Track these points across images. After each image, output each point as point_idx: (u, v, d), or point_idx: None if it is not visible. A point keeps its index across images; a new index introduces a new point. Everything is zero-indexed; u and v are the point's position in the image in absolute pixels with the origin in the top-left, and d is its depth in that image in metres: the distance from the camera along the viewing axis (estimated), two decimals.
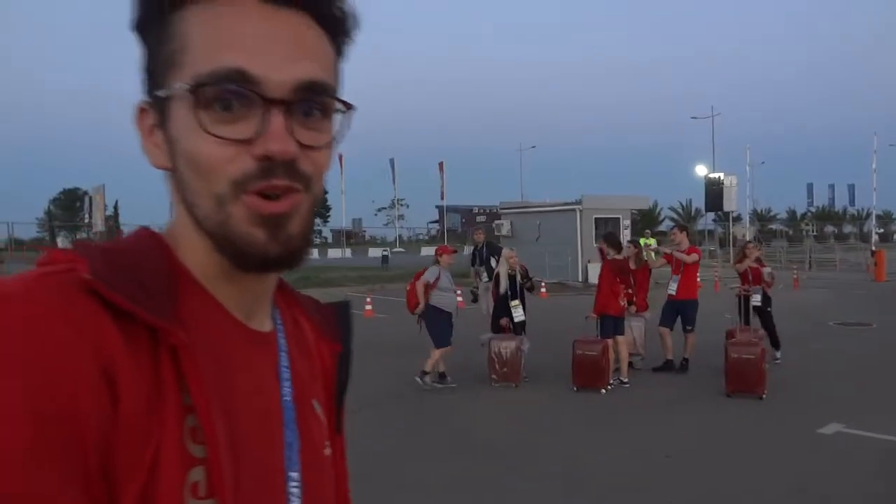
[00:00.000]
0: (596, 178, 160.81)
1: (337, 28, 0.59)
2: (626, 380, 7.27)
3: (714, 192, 29.51)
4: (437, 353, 7.30)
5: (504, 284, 7.74)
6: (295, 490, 0.59)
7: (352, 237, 65.21)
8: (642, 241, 21.64)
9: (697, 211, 60.37)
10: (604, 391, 6.78)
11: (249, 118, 0.53)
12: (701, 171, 33.76)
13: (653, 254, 9.12)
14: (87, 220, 22.83)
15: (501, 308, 7.78)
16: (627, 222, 21.28)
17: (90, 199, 23.02)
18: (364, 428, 5.85)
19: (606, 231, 10.03)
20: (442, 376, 7.37)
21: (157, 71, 0.56)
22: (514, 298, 7.63)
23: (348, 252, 47.63)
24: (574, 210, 20.06)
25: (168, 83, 0.55)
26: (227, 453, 0.52)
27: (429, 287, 7.30)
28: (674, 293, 7.87)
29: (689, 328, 7.81)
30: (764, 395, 6.50)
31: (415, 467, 4.88)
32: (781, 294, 16.92)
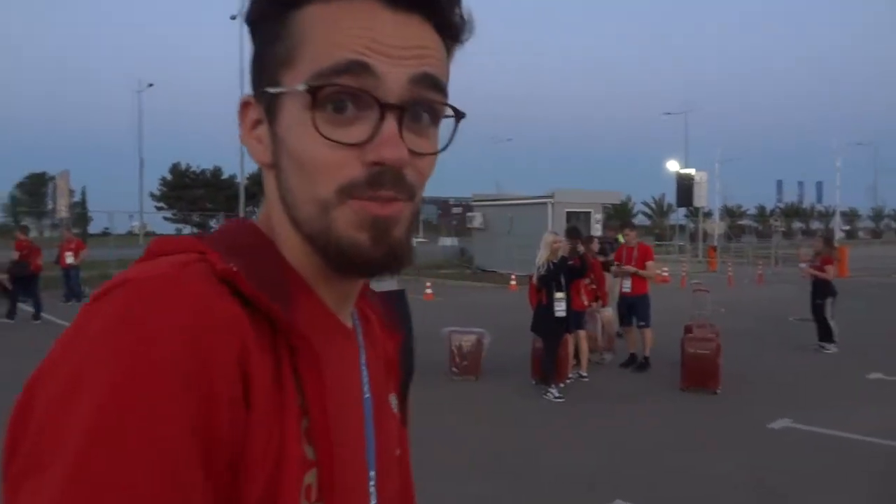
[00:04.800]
0: (572, 172, 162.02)
1: (453, 35, 0.58)
2: (585, 374, 7.33)
3: (685, 187, 29.82)
4: None
5: (539, 274, 6.77)
6: (373, 489, 0.59)
7: None
8: (619, 236, 21.91)
9: (670, 206, 61.15)
10: (562, 385, 6.83)
11: (362, 121, 0.52)
12: (672, 166, 34.15)
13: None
14: (50, 207, 22.32)
15: (545, 308, 6.72)
16: (599, 216, 21.43)
17: (54, 184, 22.47)
18: None
19: (570, 225, 10.01)
20: None
21: (269, 67, 0.55)
22: (559, 290, 6.68)
23: None
24: (546, 203, 20.15)
25: (281, 80, 0.54)
26: (337, 460, 0.53)
27: None
28: (628, 290, 7.90)
29: (643, 324, 7.81)
30: (718, 391, 6.61)
31: None
32: (746, 290, 17.25)
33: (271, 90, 0.54)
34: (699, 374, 6.65)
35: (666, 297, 13.48)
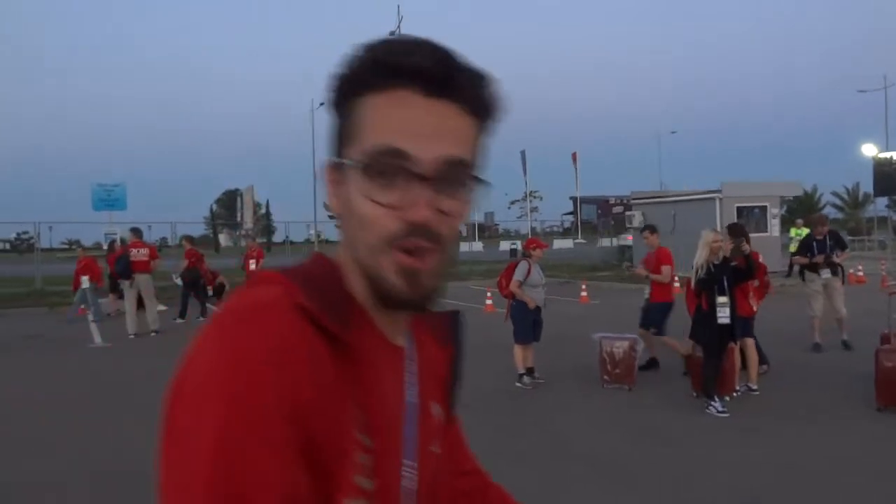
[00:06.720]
0: (748, 164, 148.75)
1: (484, 113, 0.72)
2: (755, 386, 6.60)
3: (885, 173, 26.08)
4: (517, 350, 7.13)
5: (698, 277, 6.19)
6: (408, 474, 0.74)
7: (485, 231, 65.58)
8: (793, 231, 19.71)
9: (867, 196, 53.73)
10: (727, 398, 6.20)
11: (402, 188, 0.67)
12: (869, 150, 30.05)
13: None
14: (239, 219, 25.04)
15: (705, 314, 6.15)
16: (776, 210, 19.45)
17: (241, 198, 25.15)
18: (465, 426, 5.82)
19: (730, 222, 9.08)
20: (529, 371, 7.16)
21: (340, 141, 0.72)
22: (721, 294, 6.11)
23: (477, 245, 48.15)
24: (713, 199, 18.65)
25: (346, 153, 0.71)
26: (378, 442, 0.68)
27: (521, 285, 7.08)
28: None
29: (654, 330, 7.60)
30: None
31: (508, 470, 4.73)
32: None
33: (337, 160, 0.72)
34: None
35: (860, 300, 11.83)
